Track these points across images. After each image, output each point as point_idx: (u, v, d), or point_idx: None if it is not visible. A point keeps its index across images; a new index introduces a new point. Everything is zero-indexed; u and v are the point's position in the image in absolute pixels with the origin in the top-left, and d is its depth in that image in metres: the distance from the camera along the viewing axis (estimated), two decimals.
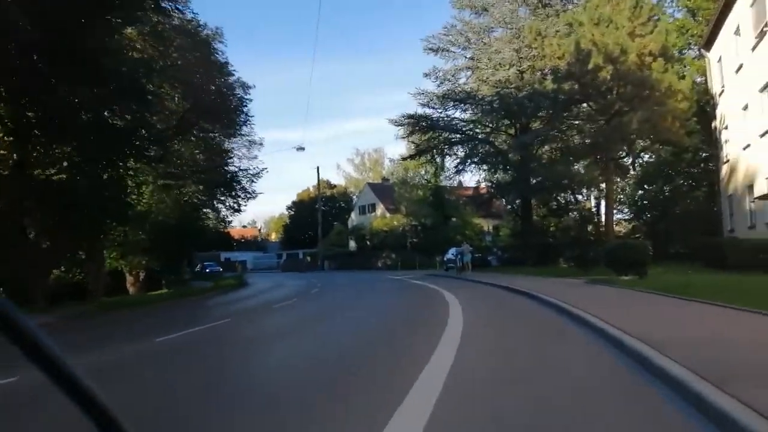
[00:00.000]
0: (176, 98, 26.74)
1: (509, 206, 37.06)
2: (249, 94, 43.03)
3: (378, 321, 11.70)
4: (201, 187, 30.07)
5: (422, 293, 19.26)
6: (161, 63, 25.41)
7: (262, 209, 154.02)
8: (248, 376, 6.66)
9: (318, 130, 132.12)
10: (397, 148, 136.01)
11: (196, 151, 28.74)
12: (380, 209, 58.91)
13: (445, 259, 38.35)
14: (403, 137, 30.89)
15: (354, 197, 75.58)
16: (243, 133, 47.86)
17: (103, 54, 18.32)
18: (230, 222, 45.61)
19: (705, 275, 16.33)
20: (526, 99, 26.55)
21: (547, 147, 29.05)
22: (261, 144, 49.48)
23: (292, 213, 78.71)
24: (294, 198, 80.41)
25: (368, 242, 52.03)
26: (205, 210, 36.00)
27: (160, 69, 24.59)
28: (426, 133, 31.10)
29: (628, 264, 16.13)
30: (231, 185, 36.43)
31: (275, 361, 7.71)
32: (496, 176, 33.95)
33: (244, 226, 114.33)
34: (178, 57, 27.46)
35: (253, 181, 38.75)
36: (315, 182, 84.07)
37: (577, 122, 26.30)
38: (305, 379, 6.21)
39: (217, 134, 33.86)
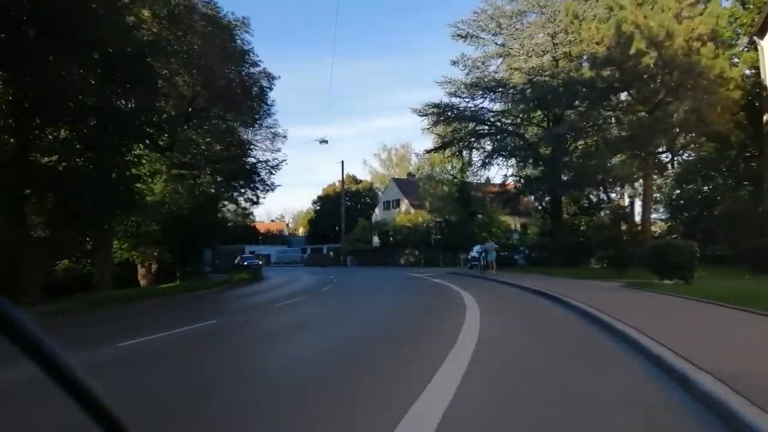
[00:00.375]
0: (190, 83, 25.54)
1: (538, 203, 34.97)
2: (273, 85, 42.31)
3: (375, 333, 10.03)
4: (218, 177, 28.87)
5: (439, 295, 17.59)
6: (175, 47, 24.24)
7: (291, 204, 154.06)
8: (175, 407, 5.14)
9: (346, 126, 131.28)
10: (424, 143, 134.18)
11: (209, 139, 27.46)
12: (405, 205, 57.24)
13: (468, 257, 36.50)
14: (428, 128, 29.19)
15: (380, 193, 74.08)
16: (265, 124, 47.15)
17: (106, 32, 17.11)
18: (250, 214, 44.42)
19: (763, 282, 14.27)
20: (561, 87, 24.47)
21: (581, 141, 26.92)
22: (284, 136, 48.43)
23: (318, 208, 77.55)
24: (320, 193, 79.25)
25: (391, 238, 50.42)
26: (223, 202, 34.89)
27: (173, 52, 23.39)
28: (451, 124, 29.21)
29: (672, 267, 14.17)
30: (250, 176, 35.26)
31: (220, 386, 6.18)
32: (525, 171, 31.88)
33: (273, 221, 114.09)
34: (194, 41, 26.25)
35: (272, 173, 37.58)
36: (341, 177, 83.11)
37: (615, 113, 24.15)
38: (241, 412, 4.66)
39: (235, 123, 32.67)
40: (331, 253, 63.06)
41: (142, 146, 25.72)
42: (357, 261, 56.70)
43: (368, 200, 77.18)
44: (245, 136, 42.16)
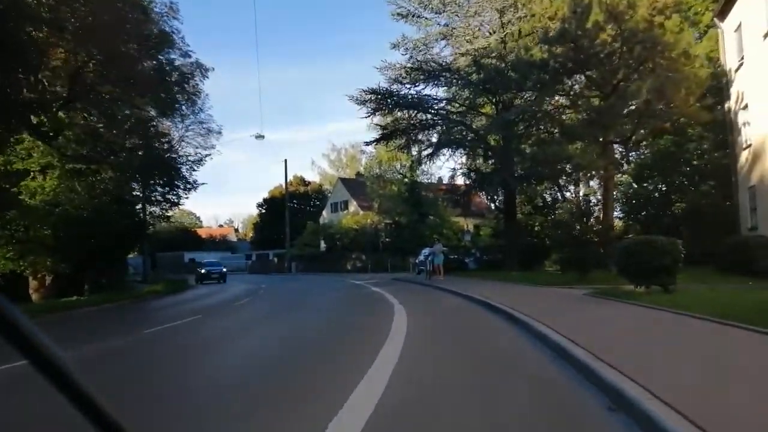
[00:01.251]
0: (76, 57, 21.35)
1: (490, 201, 32.10)
2: (207, 76, 38.36)
3: (241, 371, 6.59)
4: (122, 174, 24.67)
5: (369, 312, 14.23)
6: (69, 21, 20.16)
7: (241, 209, 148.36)
8: None
9: (298, 131, 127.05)
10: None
11: (107, 129, 23.26)
12: (353, 206, 53.79)
13: (416, 261, 33.38)
14: (366, 117, 25.93)
15: (329, 195, 70.41)
16: (198, 119, 42.97)
17: None
18: (169, 217, 40.08)
19: (761, 289, 11.47)
20: (510, 70, 21.55)
21: (534, 129, 24.07)
22: (219, 132, 44.42)
23: (263, 211, 73.23)
24: (266, 195, 74.92)
25: (338, 242, 46.92)
26: (138, 204, 30.62)
27: (52, 21, 19.28)
28: (393, 112, 26.01)
29: (651, 271, 11.18)
30: (167, 173, 31.16)
31: None
32: (474, 164, 28.92)
33: (221, 225, 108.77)
34: (88, 13, 22.13)
35: (193, 169, 33.59)
36: (289, 180, 79.01)
37: (571, 97, 21.37)
38: None
39: (148, 111, 28.56)
40: (275, 260, 58.97)
41: (27, 135, 21.62)
42: (303, 267, 52.84)
43: (317, 203, 73.36)
44: (170, 131, 37.93)
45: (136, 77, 23.67)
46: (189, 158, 33.04)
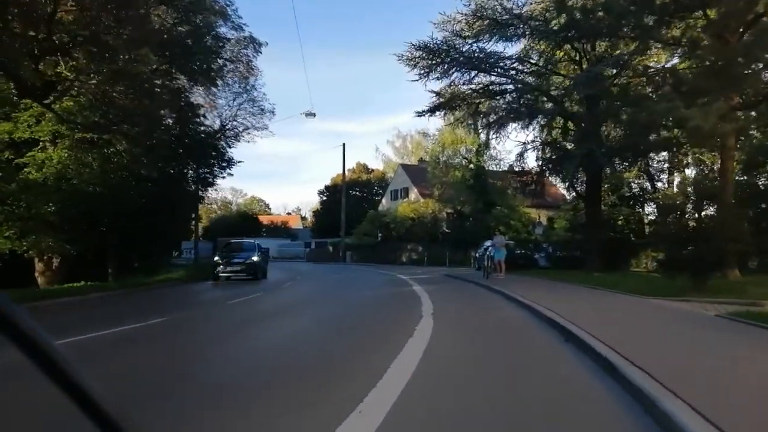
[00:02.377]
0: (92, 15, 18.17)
1: (569, 188, 26.63)
2: (260, 52, 35.56)
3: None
4: (147, 146, 21.41)
5: (378, 323, 9.87)
6: None
7: (310, 197, 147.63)
8: None
9: (368, 123, 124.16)
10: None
11: (109, 91, 19.91)
12: (414, 194, 49.31)
13: (474, 254, 28.60)
14: (417, 79, 21.27)
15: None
16: (250, 97, 39.95)
17: None
18: (201, 198, 37.11)
19: None
20: (602, 8, 16.11)
21: (632, 87, 18.53)
22: (272, 111, 41.34)
23: (324, 198, 70.17)
24: (327, 183, 71.85)
25: (393, 232, 42.64)
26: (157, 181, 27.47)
27: None
28: (449, 72, 21.18)
29: None
30: (202, 149, 27.96)
31: None
32: (550, 136, 23.47)
33: (289, 213, 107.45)
34: None
35: (229, 145, 30.27)
36: (352, 167, 75.61)
37: (683, 43, 15.83)
38: None
39: (179, 78, 25.39)
40: (331, 248, 55.61)
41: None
42: (357, 257, 49.07)
43: (380, 191, 69.51)
44: (207, 106, 34.83)
45: (148, 34, 20.31)
46: (226, 133, 29.73)
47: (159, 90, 22.43)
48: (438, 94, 22.48)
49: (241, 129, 40.86)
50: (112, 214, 22.20)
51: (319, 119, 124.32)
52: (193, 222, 44.96)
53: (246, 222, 72.35)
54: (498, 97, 22.81)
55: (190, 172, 28.93)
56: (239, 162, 40.67)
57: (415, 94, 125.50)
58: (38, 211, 19.99)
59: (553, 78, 21.91)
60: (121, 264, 26.11)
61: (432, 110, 22.68)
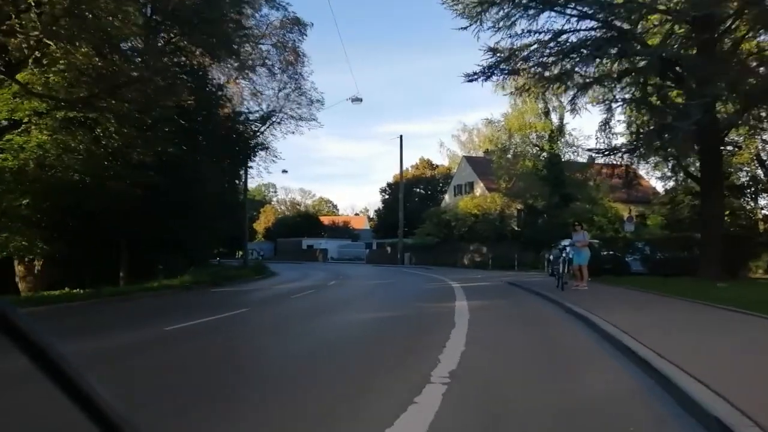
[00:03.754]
0: None
1: (675, 168, 20.50)
2: (305, 36, 31.92)
3: None
4: (129, 128, 17.66)
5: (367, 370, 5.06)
6: None
7: (378, 198, 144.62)
8: None
9: (435, 121, 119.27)
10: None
11: (95, 59, 16.26)
12: (479, 188, 43.78)
13: (548, 256, 23.05)
14: (464, 27, 16.05)
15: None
16: (286, 81, 36.27)
17: None
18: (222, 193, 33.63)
19: None
20: None
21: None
22: (319, 101, 37.53)
23: (386, 197, 65.80)
24: (389, 180, 67.48)
25: (454, 230, 37.40)
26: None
27: None
28: (509, 15, 15.78)
29: None
30: (227, 139, 24.17)
31: None
32: (649, 100, 17.44)
33: (356, 214, 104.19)
34: None
35: (256, 132, 26.32)
36: (415, 162, 70.76)
37: None
38: None
39: (192, 51, 21.75)
40: (389, 249, 51.12)
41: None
42: (416, 258, 44.25)
43: (445, 188, 64.31)
44: (239, 91, 31.47)
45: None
46: (248, 119, 25.90)
47: (153, 62, 18.67)
48: (494, 50, 17.26)
49: (287, 119, 37.55)
50: (103, 207, 18.65)
51: (390, 121, 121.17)
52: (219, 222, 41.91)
53: (306, 222, 69.36)
54: (573, 55, 17.27)
55: (223, 164, 25.22)
56: (263, 147, 36.95)
57: (485, 92, 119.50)
58: (9, 205, 16.76)
59: (649, 19, 16.00)
60: (138, 266, 22.69)
61: (487, 72, 17.44)
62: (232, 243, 65.79)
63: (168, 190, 21.24)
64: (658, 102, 16.63)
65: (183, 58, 22.63)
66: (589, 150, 19.82)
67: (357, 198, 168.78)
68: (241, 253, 70.31)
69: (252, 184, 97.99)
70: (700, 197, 17.95)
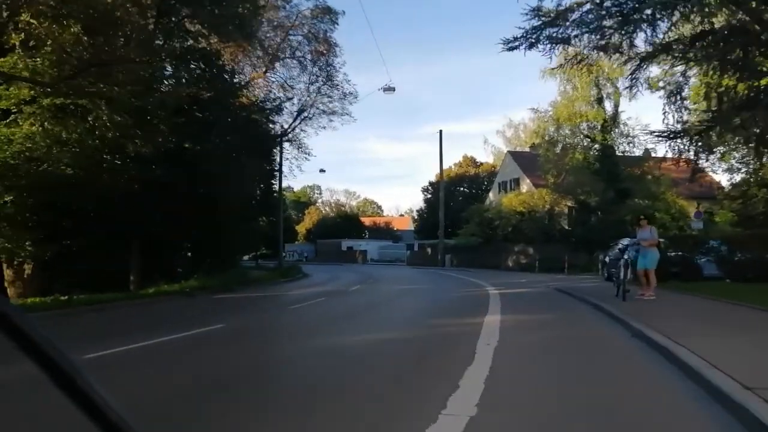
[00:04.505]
0: None
1: (755, 143, 16.92)
2: (336, 25, 30.65)
3: None
4: (122, 116, 15.70)
5: None
6: None
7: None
8: None
9: (483, 121, 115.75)
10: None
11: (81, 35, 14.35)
12: (525, 185, 40.37)
13: (604, 258, 19.80)
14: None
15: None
16: (317, 74, 34.20)
17: None
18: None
19: None
20: None
21: None
22: (351, 93, 35.33)
23: (428, 196, 62.90)
24: (432, 179, 64.53)
25: (498, 230, 34.19)
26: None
27: None
28: None
29: None
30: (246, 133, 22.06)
31: None
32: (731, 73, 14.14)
33: (402, 215, 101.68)
34: None
35: (269, 120, 24.13)
36: (458, 160, 67.52)
37: None
38: None
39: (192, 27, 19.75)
40: (429, 251, 48.34)
41: None
42: (458, 260, 41.31)
43: (489, 186, 60.91)
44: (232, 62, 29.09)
45: None
46: (273, 106, 23.77)
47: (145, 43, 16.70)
48: (538, 11, 14.33)
49: (319, 115, 35.43)
50: (101, 204, 16.81)
51: (437, 121, 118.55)
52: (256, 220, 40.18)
53: (347, 223, 67.31)
54: (635, 16, 14.15)
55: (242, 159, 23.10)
56: (307, 154, 35.15)
57: (534, 88, 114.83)
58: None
59: None
60: (153, 268, 20.81)
61: (530, 37, 14.51)
62: (273, 244, 64.82)
63: (183, 186, 19.37)
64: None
65: (190, 41, 20.66)
66: (651, 132, 16.44)
67: (402, 199, 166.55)
68: (284, 254, 69.31)
69: (297, 186, 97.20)
70: None
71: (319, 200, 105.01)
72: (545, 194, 33.72)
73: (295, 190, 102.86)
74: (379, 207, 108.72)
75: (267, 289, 20.09)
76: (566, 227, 33.86)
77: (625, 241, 15.62)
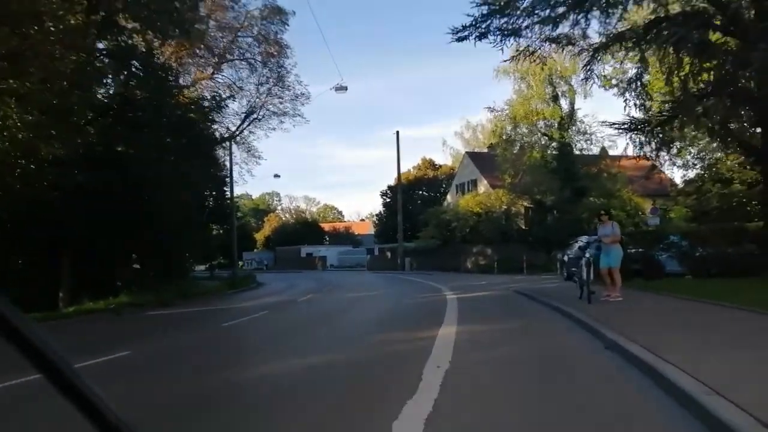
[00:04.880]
0: None
1: (712, 137, 16.40)
2: (286, 26, 29.92)
3: None
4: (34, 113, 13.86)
5: None
6: None
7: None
8: None
9: (441, 126, 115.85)
10: None
11: None
12: (483, 186, 39.67)
13: (562, 257, 18.96)
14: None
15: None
16: (266, 75, 32.76)
17: None
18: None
19: None
20: None
21: None
22: (303, 94, 33.94)
23: (387, 200, 61.77)
24: (391, 183, 63.44)
25: (457, 232, 33.27)
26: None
27: None
28: None
29: None
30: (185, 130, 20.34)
31: None
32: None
33: (362, 220, 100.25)
34: None
35: (210, 120, 22.53)
36: (417, 163, 66.67)
37: None
38: None
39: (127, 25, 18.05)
40: (388, 254, 47.25)
41: None
42: (417, 264, 40.29)
43: (448, 189, 60.27)
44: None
45: None
46: (215, 106, 22.15)
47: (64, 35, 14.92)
48: (485, 0, 13.30)
49: (269, 116, 33.91)
50: (12, 214, 14.93)
51: (395, 126, 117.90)
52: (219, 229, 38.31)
53: (307, 229, 65.52)
54: (584, 10, 13.34)
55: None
56: (257, 158, 33.69)
57: (495, 92, 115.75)
58: None
59: None
60: (87, 283, 18.77)
61: (479, 27, 13.47)
62: (230, 253, 62.33)
63: (116, 192, 17.53)
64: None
65: (123, 37, 18.86)
66: (612, 125, 15.64)
67: (363, 204, 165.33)
68: (240, 263, 66.80)
69: (255, 193, 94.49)
70: (762, 176, 13.79)
71: (279, 207, 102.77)
72: (502, 195, 33.03)
73: (253, 197, 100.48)
74: (340, 213, 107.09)
75: (211, 302, 18.44)
76: (523, 227, 33.26)
77: (584, 239, 14.73)
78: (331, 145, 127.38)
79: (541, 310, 11.02)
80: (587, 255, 11.13)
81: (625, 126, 15.59)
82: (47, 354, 0.63)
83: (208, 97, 25.19)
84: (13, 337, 0.61)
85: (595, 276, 11.09)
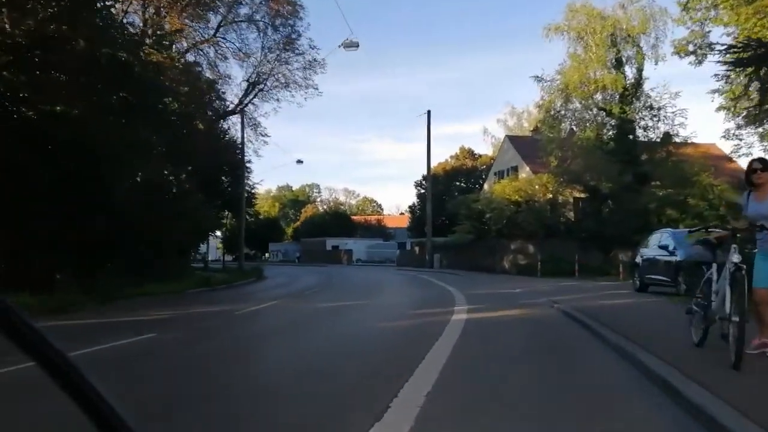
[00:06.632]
0: None
1: None
2: None
3: None
4: None
5: None
6: None
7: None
8: None
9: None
10: None
11: None
12: (525, 173, 33.15)
13: (638, 260, 12.72)
14: None
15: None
16: (274, 39, 27.72)
17: None
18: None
19: None
20: None
21: None
22: (319, 62, 28.77)
23: (422, 191, 55.76)
24: (425, 172, 57.40)
25: (490, 224, 26.95)
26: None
27: None
28: None
29: None
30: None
31: None
32: None
33: (402, 213, 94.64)
34: None
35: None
36: (455, 153, 60.27)
37: None
38: None
39: None
40: (417, 250, 41.52)
41: None
42: (447, 261, 34.39)
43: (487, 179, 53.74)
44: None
45: None
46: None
47: None
48: None
49: (277, 88, 28.82)
50: None
51: (442, 122, 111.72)
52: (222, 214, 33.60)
53: (336, 220, 60.42)
54: None
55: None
56: (264, 136, 28.69)
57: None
58: None
59: None
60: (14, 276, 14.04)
61: None
62: (257, 244, 58.07)
63: (35, 164, 12.78)
64: None
65: None
66: (720, 50, 9.39)
67: (404, 198, 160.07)
68: (267, 255, 62.45)
69: (296, 185, 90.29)
70: None
71: (318, 199, 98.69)
72: (547, 180, 26.63)
73: (293, 188, 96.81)
74: (380, 206, 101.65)
75: (185, 301, 13.23)
76: (572, 220, 26.83)
77: (667, 234, 8.91)
78: (373, 139, 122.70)
79: (618, 370, 5.14)
80: (734, 260, 5.02)
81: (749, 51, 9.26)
82: (47, 350, 0.60)
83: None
84: (13, 333, 0.58)
85: (741, 301, 5.06)
